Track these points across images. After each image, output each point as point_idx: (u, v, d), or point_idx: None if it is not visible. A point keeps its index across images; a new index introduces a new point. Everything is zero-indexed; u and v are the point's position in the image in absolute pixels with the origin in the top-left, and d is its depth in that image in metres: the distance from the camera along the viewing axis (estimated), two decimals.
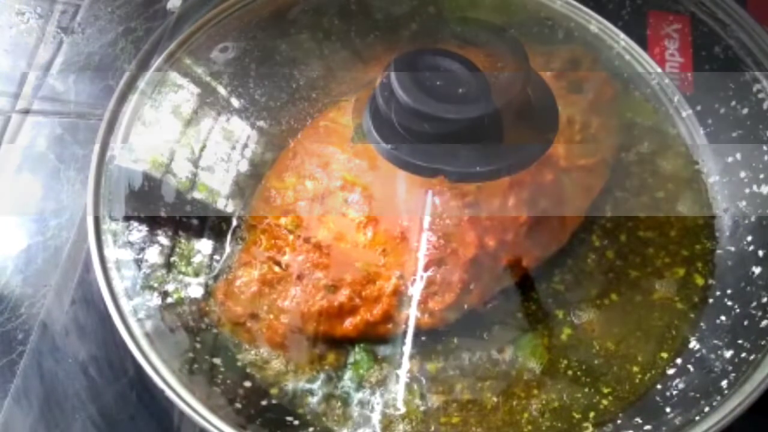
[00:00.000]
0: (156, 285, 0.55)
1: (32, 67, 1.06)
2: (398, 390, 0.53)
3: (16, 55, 1.07)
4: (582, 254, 0.59)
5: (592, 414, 0.51)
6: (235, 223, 0.61)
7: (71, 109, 1.02)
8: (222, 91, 0.68)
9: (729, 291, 0.56)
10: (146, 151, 0.61)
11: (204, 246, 0.59)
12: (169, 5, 0.94)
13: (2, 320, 0.79)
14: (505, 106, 0.51)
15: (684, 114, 0.66)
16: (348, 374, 0.53)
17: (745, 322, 0.53)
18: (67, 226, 0.88)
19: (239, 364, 0.54)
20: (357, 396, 0.53)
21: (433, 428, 0.51)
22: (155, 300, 0.54)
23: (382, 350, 0.54)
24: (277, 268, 0.56)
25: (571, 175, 0.60)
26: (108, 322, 0.53)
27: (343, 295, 0.54)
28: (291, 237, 0.57)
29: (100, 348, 0.61)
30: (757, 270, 0.56)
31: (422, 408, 0.52)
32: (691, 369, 0.53)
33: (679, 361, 0.54)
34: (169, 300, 0.55)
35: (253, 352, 0.55)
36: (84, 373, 0.60)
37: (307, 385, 0.54)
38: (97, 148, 0.58)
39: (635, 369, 0.54)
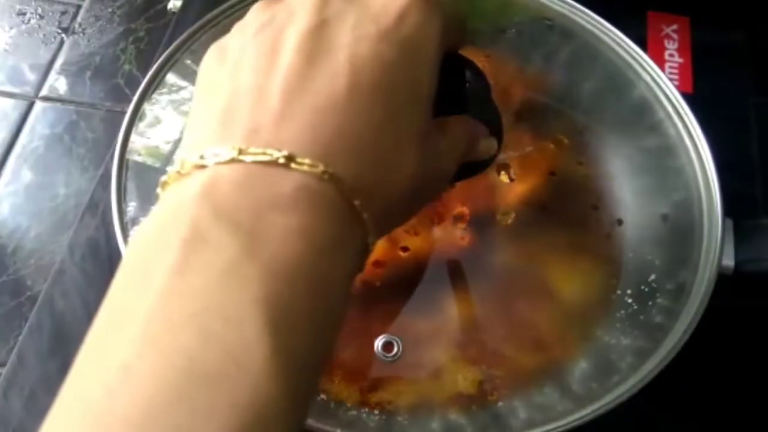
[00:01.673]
0: None
1: (33, 68, 1.06)
2: None
3: (17, 56, 1.07)
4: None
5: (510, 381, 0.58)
6: None
7: (73, 108, 1.02)
8: None
9: (629, 290, 0.62)
10: (149, 146, 0.63)
11: None
12: (170, 5, 0.94)
13: (15, 268, 0.85)
14: None
15: (684, 115, 0.66)
16: None
17: (641, 317, 0.59)
18: (75, 195, 0.92)
19: None
20: None
21: None
22: None
23: None
24: None
25: None
26: (109, 274, 0.58)
27: None
28: None
29: (103, 295, 0.66)
30: (653, 276, 0.62)
31: None
32: (593, 351, 0.59)
33: (584, 345, 0.60)
34: None
35: None
36: (88, 315, 0.64)
37: None
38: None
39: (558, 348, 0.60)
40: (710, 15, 0.93)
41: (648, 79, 0.68)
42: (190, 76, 0.67)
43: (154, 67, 0.65)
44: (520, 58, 0.75)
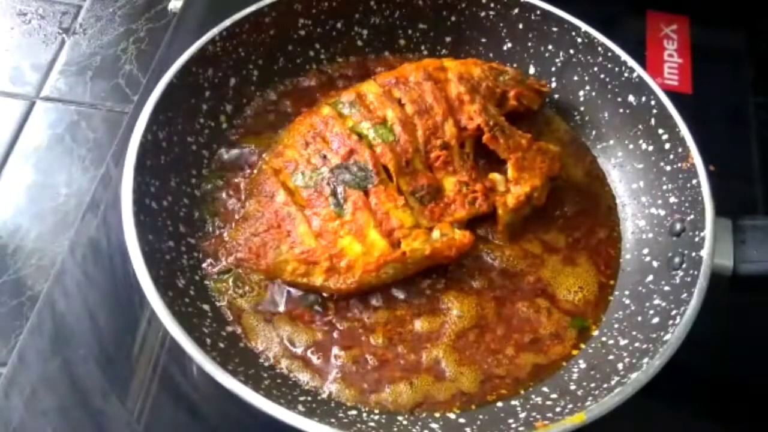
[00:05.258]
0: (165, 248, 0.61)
1: (34, 68, 1.06)
2: None
3: (18, 56, 1.08)
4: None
5: (509, 380, 0.59)
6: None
7: (74, 109, 1.02)
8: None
9: (627, 291, 0.64)
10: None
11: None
12: (171, 6, 0.94)
13: (16, 268, 0.87)
14: None
15: (675, 118, 0.66)
16: None
17: (639, 318, 0.60)
18: (76, 195, 0.92)
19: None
20: None
21: None
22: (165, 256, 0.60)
23: None
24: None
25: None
26: (110, 274, 0.67)
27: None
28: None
29: (104, 295, 0.67)
30: (650, 277, 0.62)
31: None
32: (591, 351, 0.60)
33: (582, 345, 0.61)
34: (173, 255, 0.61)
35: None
36: (89, 315, 0.65)
37: None
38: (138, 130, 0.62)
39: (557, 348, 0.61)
40: (710, 15, 0.93)
41: (639, 83, 0.69)
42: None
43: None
44: (518, 65, 0.76)
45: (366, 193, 0.62)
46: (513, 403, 0.57)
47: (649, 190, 0.67)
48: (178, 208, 0.64)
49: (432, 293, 0.62)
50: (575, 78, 0.73)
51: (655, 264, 0.63)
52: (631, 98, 0.69)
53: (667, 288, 0.60)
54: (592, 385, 0.56)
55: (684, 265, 0.59)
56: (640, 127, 0.69)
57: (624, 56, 0.69)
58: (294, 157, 0.65)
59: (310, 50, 0.75)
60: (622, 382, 0.53)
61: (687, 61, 0.89)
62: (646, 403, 0.55)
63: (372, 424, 0.54)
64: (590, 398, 0.54)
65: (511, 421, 0.55)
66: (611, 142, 0.72)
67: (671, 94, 0.67)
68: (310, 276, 0.60)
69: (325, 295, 0.61)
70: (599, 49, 0.70)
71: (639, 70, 0.68)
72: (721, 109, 0.85)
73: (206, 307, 0.59)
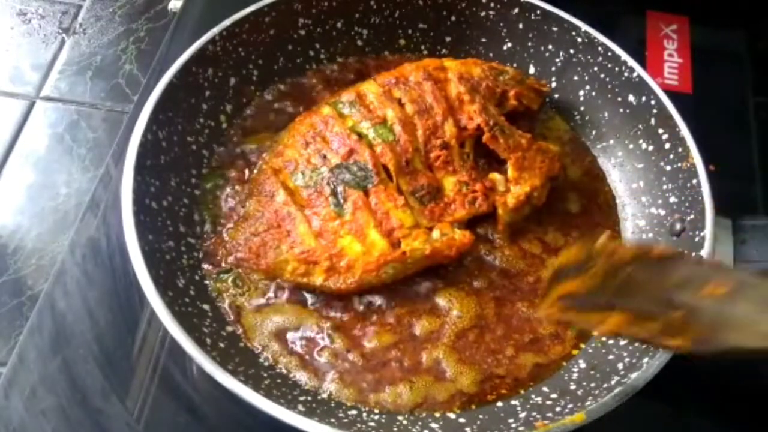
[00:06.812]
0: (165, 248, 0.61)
1: (34, 68, 1.06)
2: None
3: (18, 56, 1.08)
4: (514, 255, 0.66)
5: (509, 380, 0.59)
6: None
7: (74, 108, 1.02)
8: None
9: None
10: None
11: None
12: (171, 6, 0.94)
13: (16, 268, 0.87)
14: None
15: (675, 117, 0.66)
16: None
17: None
18: (76, 195, 0.93)
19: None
20: None
21: None
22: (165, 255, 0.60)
23: None
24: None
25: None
26: (110, 274, 0.66)
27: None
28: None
29: (104, 295, 0.67)
30: None
31: None
32: (591, 351, 0.61)
33: (582, 345, 0.61)
34: (173, 254, 0.61)
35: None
36: (89, 315, 0.65)
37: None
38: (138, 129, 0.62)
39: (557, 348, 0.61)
40: (710, 15, 0.93)
41: (639, 83, 0.69)
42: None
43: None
44: (518, 65, 0.76)
45: (366, 192, 0.62)
46: (513, 402, 0.57)
47: (649, 189, 0.67)
48: (178, 208, 0.64)
49: (432, 293, 0.62)
50: (575, 78, 0.73)
51: None
52: (631, 98, 0.69)
53: None
54: (592, 384, 0.56)
55: None
56: (640, 126, 0.69)
57: (624, 56, 0.69)
58: (294, 157, 0.65)
59: (310, 50, 0.76)
60: (622, 382, 0.53)
61: (687, 61, 0.89)
62: (646, 403, 0.55)
63: (372, 424, 0.54)
64: (590, 398, 0.54)
65: (511, 420, 0.55)
66: (611, 141, 0.72)
67: (671, 93, 0.67)
68: (310, 276, 0.60)
69: (324, 295, 0.61)
70: (599, 48, 0.70)
71: (639, 70, 0.68)
72: (721, 109, 0.85)
73: (206, 307, 0.59)
